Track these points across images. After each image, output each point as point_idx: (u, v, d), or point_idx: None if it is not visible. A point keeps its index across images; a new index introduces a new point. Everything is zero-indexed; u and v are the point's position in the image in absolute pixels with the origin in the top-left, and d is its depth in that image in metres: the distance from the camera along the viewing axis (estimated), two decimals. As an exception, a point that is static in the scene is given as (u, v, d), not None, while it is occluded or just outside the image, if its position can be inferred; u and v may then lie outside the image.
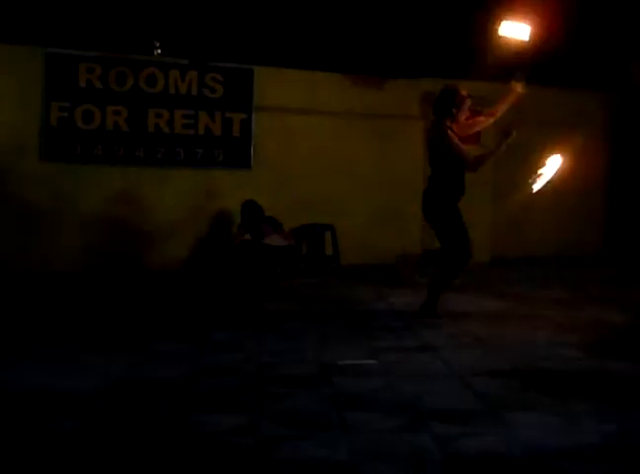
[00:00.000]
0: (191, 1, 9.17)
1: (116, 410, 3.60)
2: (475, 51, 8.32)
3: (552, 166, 5.96)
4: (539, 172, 5.93)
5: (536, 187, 5.95)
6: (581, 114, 10.37)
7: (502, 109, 6.20)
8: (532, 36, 6.12)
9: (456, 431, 3.36)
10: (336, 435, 3.29)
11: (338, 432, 3.34)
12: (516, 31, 6.15)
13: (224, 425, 3.38)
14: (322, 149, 9.69)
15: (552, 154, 6.03)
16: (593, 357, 4.85)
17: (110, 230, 8.84)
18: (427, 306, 5.99)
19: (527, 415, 3.63)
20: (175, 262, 8.98)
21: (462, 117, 5.97)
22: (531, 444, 3.21)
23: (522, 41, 6.17)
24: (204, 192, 9.21)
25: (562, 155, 6.02)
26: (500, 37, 6.21)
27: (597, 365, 4.64)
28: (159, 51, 9.41)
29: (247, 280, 8.15)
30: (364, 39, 9.56)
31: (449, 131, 5.82)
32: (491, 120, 6.23)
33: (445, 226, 5.90)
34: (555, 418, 3.60)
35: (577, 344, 5.22)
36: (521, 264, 9.76)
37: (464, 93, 5.95)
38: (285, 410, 3.65)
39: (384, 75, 9.87)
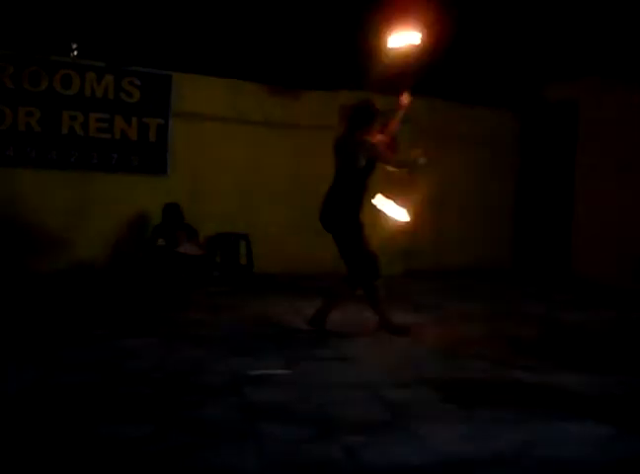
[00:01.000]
0: (110, 4, 9.05)
1: (22, 418, 3.53)
2: (373, 64, 8.45)
3: (392, 209, 6.05)
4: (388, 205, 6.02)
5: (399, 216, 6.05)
6: (491, 131, 10.68)
7: (395, 125, 6.29)
8: (425, 46, 6.18)
9: (365, 441, 3.41)
10: (245, 445, 3.30)
11: (247, 441, 3.36)
12: (405, 39, 6.21)
13: (133, 433, 3.35)
14: (240, 157, 9.70)
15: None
16: (498, 368, 4.99)
17: (17, 233, 8.63)
18: (317, 318, 6.04)
19: (435, 425, 3.71)
20: (87, 266, 8.82)
21: (374, 131, 6.01)
22: (439, 454, 3.29)
23: (412, 50, 6.23)
24: (118, 197, 9.09)
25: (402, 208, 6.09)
26: (390, 48, 6.28)
27: (502, 376, 4.79)
28: (76, 53, 9.24)
29: (159, 287, 8.06)
30: (283, 50, 9.62)
31: (368, 139, 5.83)
32: (387, 138, 6.26)
33: (349, 239, 5.90)
34: (462, 427, 3.69)
35: (483, 355, 5.37)
36: (434, 277, 9.94)
37: (378, 108, 6.00)
38: (195, 419, 3.64)
39: (303, 86, 9.95)
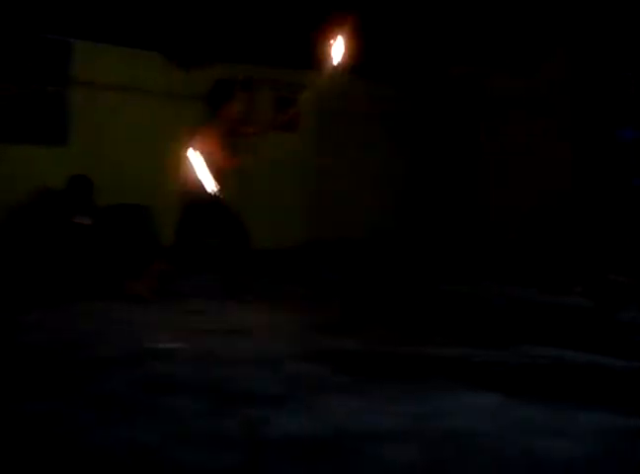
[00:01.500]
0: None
1: None
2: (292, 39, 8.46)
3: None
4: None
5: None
6: (392, 107, 10.81)
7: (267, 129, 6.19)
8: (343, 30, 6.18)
9: (260, 414, 3.45)
10: (145, 419, 3.30)
11: (147, 415, 3.36)
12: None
13: (32, 409, 3.32)
14: (140, 128, 9.52)
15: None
16: (393, 341, 5.12)
17: None
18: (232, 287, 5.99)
19: (330, 398, 3.78)
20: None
21: (235, 110, 5.83)
22: (333, 426, 3.37)
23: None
24: (16, 169, 8.80)
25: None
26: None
27: (396, 348, 4.92)
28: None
29: (57, 257, 7.89)
30: (185, 20, 9.47)
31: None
32: (251, 132, 6.13)
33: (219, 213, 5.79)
34: (356, 400, 3.77)
35: (377, 327, 5.50)
36: (335, 247, 10.03)
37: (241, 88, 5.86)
38: (94, 393, 3.62)
39: (204, 59, 9.82)
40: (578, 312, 6.41)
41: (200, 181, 5.84)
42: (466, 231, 10.20)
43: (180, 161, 5.96)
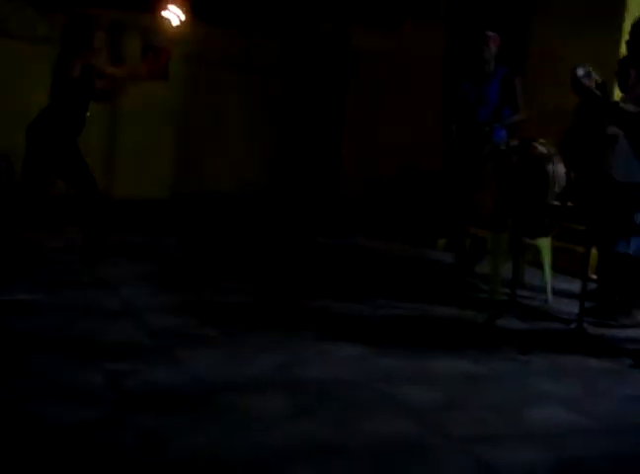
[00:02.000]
0: None
1: None
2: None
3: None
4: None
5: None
6: (263, 59, 10.73)
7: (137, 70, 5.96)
8: None
9: (127, 367, 3.45)
10: (5, 375, 3.24)
11: (7, 371, 3.30)
12: None
13: None
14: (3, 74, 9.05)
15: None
16: (260, 293, 5.18)
17: None
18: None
19: (197, 350, 3.82)
20: None
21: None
22: (199, 379, 3.41)
23: None
24: None
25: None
26: None
27: (263, 300, 4.98)
28: None
29: None
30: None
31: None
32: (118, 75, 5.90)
33: (67, 163, 5.57)
34: (224, 351, 3.82)
35: (245, 280, 5.55)
36: (204, 200, 9.92)
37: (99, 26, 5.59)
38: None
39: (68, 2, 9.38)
40: (439, 266, 6.66)
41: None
42: (334, 185, 10.33)
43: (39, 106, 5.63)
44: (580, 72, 4.39)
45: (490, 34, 6.03)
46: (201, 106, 9.84)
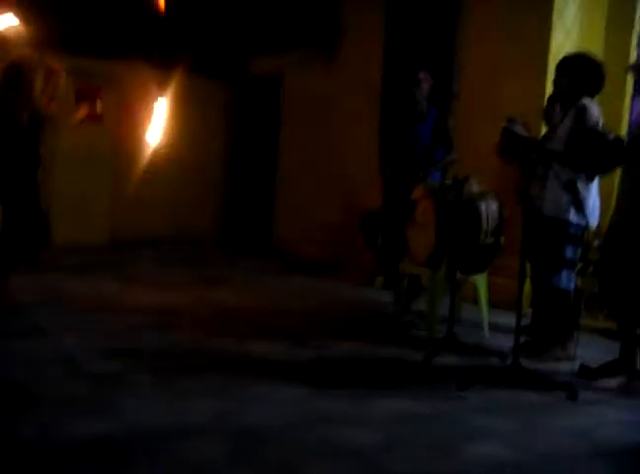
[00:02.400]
0: None
1: None
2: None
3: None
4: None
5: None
6: (203, 101, 10.71)
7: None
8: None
9: (59, 417, 3.39)
10: None
11: None
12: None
13: None
14: None
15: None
16: (202, 337, 5.14)
17: None
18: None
19: (134, 397, 3.76)
20: None
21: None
22: (136, 427, 3.35)
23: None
24: None
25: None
26: None
27: (205, 344, 4.94)
28: None
29: None
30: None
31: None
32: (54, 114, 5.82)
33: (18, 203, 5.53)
34: (162, 398, 3.78)
35: (188, 324, 5.50)
36: (141, 246, 9.84)
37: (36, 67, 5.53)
38: None
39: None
40: (377, 304, 6.67)
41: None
42: (269, 230, 10.37)
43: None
44: (511, 124, 4.63)
45: (422, 74, 6.11)
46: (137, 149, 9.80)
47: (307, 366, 4.60)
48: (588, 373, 4.58)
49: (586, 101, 4.81)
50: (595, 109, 4.80)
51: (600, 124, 4.80)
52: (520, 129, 4.69)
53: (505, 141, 4.76)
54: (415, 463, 3.18)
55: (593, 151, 4.61)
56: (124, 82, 9.32)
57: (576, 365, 4.56)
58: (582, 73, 4.89)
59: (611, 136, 4.60)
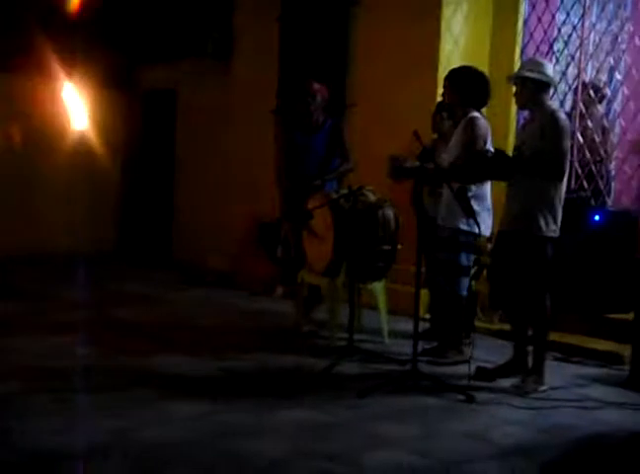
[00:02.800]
0: None
1: None
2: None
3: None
4: None
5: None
6: (97, 112, 10.48)
7: None
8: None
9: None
10: None
11: None
12: None
13: None
14: None
15: None
16: (103, 353, 5.01)
17: None
18: None
19: (30, 418, 3.66)
20: None
21: None
22: (33, 449, 3.26)
23: None
24: None
25: None
26: None
27: (107, 361, 4.82)
28: None
29: None
30: None
31: None
32: None
33: None
34: (58, 418, 3.68)
35: (90, 341, 5.34)
36: (33, 262, 9.51)
37: None
38: None
39: None
40: (277, 314, 6.65)
41: None
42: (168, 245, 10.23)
43: None
44: (398, 161, 4.73)
45: (316, 85, 6.12)
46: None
47: (210, 380, 4.57)
48: (484, 375, 4.70)
49: (474, 114, 4.99)
50: (482, 121, 4.99)
51: (489, 137, 4.99)
52: (409, 163, 4.84)
53: (396, 175, 4.91)
54: (317, 474, 3.19)
55: (475, 168, 4.76)
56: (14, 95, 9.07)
57: (473, 368, 4.67)
58: (469, 86, 5.08)
59: (490, 153, 4.74)
